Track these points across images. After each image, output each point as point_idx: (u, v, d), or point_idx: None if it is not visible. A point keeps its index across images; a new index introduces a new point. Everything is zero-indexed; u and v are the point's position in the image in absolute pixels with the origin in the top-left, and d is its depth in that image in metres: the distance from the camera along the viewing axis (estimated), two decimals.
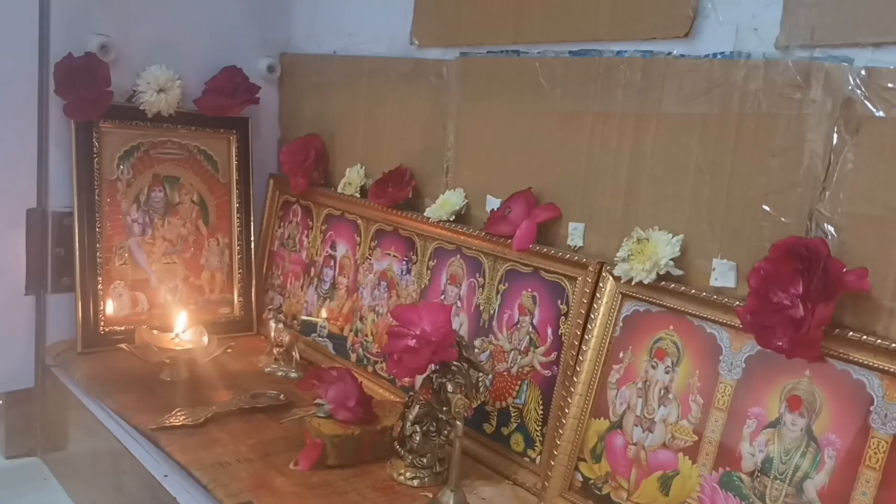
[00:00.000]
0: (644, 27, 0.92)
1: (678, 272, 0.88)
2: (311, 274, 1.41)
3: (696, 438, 0.82)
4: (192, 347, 1.26)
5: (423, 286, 1.18)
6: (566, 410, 0.93)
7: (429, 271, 1.17)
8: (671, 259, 0.87)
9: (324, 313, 1.36)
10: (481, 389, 0.99)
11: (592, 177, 0.99)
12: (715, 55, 0.86)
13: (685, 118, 0.88)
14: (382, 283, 1.25)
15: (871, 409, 0.71)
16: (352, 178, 1.35)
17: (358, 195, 1.33)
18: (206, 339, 1.28)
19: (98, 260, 1.33)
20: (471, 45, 1.16)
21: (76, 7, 1.30)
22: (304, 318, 1.38)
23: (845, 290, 0.72)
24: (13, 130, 1.27)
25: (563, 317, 0.97)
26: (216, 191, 1.46)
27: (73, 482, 1.28)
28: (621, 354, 0.91)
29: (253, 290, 1.48)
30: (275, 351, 1.31)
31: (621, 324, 0.92)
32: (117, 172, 1.36)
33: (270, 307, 1.39)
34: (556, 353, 0.98)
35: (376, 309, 1.26)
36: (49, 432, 1.36)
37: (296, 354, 1.30)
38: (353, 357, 1.29)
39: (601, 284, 0.94)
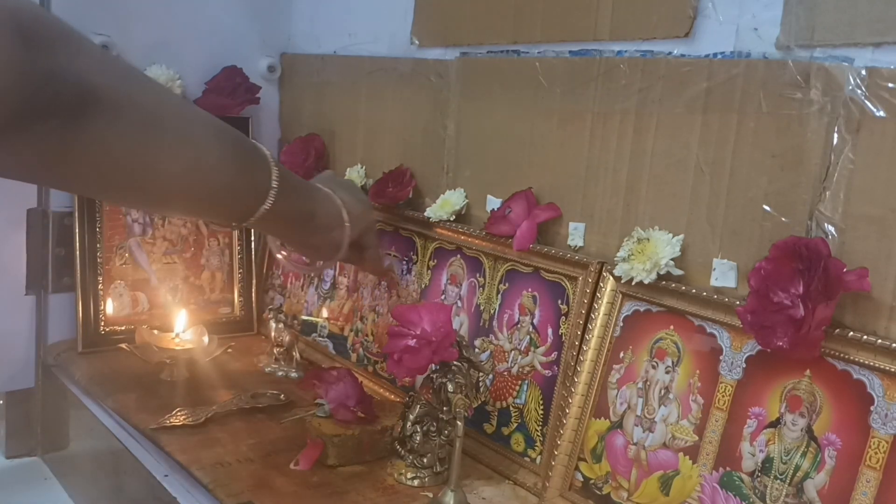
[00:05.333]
0: (644, 27, 0.93)
1: (678, 272, 0.88)
2: (312, 274, 1.41)
3: (697, 438, 0.82)
4: (192, 347, 1.26)
5: (423, 286, 1.18)
6: (566, 410, 0.93)
7: (429, 271, 1.17)
8: (671, 259, 0.88)
9: (324, 313, 1.36)
10: (481, 389, 0.99)
11: (593, 177, 0.99)
12: (715, 55, 0.86)
13: (685, 118, 0.88)
14: (383, 282, 1.25)
15: (872, 409, 0.71)
16: (352, 178, 1.35)
17: None
18: (206, 339, 1.28)
19: (98, 260, 1.33)
20: (471, 44, 1.16)
21: (76, 7, 1.30)
22: (305, 317, 1.38)
23: (846, 290, 0.72)
24: None
25: (563, 317, 0.97)
26: None
27: (73, 482, 1.28)
28: (621, 354, 0.91)
29: (253, 290, 1.48)
30: (275, 351, 1.31)
31: (621, 324, 0.92)
32: None
33: (271, 307, 1.39)
34: (556, 353, 0.98)
35: (377, 309, 1.26)
36: (49, 432, 1.36)
37: (296, 354, 1.30)
38: (354, 357, 1.29)
39: (601, 284, 0.94)
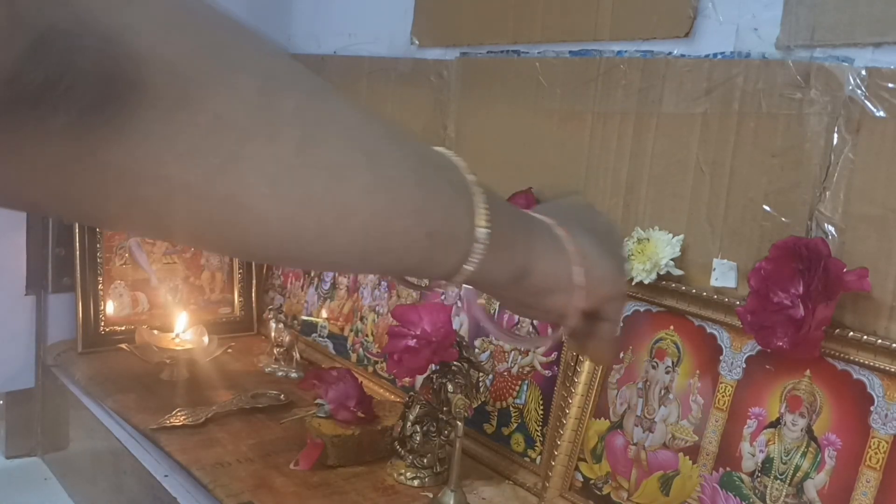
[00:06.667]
0: (644, 27, 0.92)
1: (678, 272, 0.88)
2: (312, 274, 1.41)
3: (697, 438, 0.82)
4: (192, 347, 1.26)
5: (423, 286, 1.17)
6: (566, 410, 0.93)
7: None
8: (671, 259, 0.87)
9: (324, 313, 1.36)
10: (481, 389, 0.99)
11: (593, 177, 0.99)
12: (715, 55, 0.86)
13: (685, 118, 0.88)
14: (383, 283, 1.25)
15: (872, 409, 0.71)
16: None
17: None
18: (206, 339, 1.28)
19: (98, 260, 1.33)
20: (471, 45, 1.16)
21: None
22: (305, 318, 1.38)
23: (846, 290, 0.72)
24: None
25: None
26: None
27: (73, 482, 1.28)
28: (621, 354, 0.91)
29: (253, 290, 1.48)
30: (275, 351, 1.31)
31: (621, 324, 0.92)
32: None
33: (271, 307, 1.39)
34: (556, 353, 0.98)
35: (377, 309, 1.26)
36: (49, 432, 1.36)
37: (296, 354, 1.30)
38: (354, 357, 1.29)
39: None
